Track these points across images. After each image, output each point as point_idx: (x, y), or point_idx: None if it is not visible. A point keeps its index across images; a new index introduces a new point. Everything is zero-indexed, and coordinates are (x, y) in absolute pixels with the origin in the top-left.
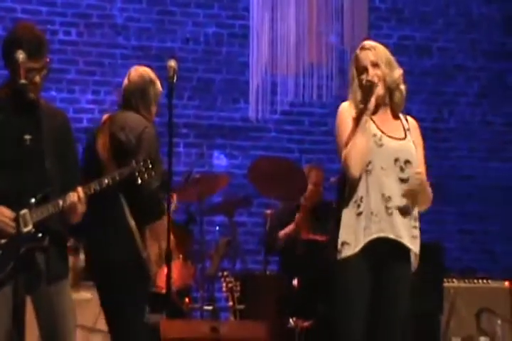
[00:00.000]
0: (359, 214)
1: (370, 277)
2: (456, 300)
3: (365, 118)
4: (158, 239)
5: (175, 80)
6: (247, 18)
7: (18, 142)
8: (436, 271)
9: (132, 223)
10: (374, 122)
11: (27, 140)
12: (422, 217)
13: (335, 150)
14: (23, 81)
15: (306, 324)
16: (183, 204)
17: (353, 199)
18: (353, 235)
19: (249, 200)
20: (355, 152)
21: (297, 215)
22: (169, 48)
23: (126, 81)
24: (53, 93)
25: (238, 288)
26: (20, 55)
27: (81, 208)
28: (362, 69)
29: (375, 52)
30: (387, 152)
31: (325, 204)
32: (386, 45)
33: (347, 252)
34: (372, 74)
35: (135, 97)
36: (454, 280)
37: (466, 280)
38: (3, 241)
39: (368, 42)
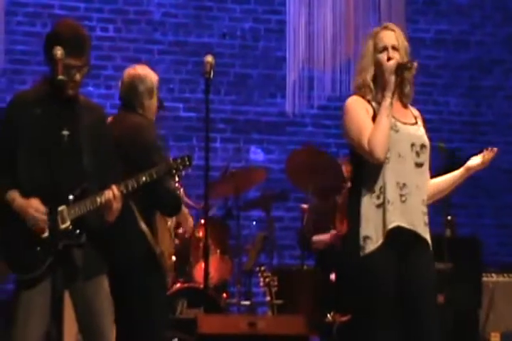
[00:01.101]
0: (379, 205)
1: (394, 269)
2: (495, 295)
3: (389, 99)
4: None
5: (212, 75)
6: (284, 13)
7: (55, 138)
8: (475, 266)
9: (143, 226)
10: None
11: (65, 136)
12: (460, 211)
13: None
14: (61, 77)
15: (343, 318)
16: (220, 199)
17: (372, 190)
18: (374, 228)
19: (286, 195)
20: (382, 133)
21: (334, 231)
22: (206, 44)
23: (119, 83)
24: (91, 89)
25: (275, 283)
26: (59, 52)
27: (116, 206)
28: (381, 49)
29: (397, 35)
30: (403, 137)
31: None
32: (423, 40)
33: (370, 247)
34: (393, 56)
35: (128, 97)
36: (493, 274)
37: (505, 275)
38: (43, 236)
39: (391, 24)
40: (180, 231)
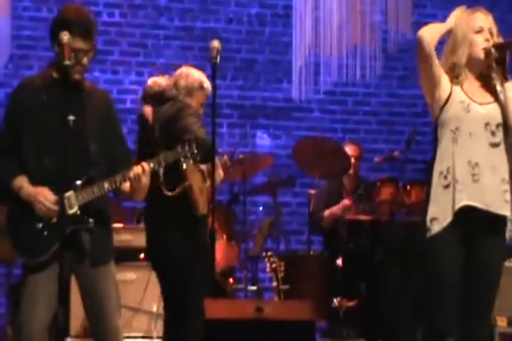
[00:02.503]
0: (446, 186)
1: (461, 250)
2: (502, 280)
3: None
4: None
5: (218, 61)
6: None
7: (62, 123)
8: None
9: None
10: (462, 88)
11: (71, 121)
12: None
13: (378, 130)
14: (67, 62)
15: (350, 303)
16: (226, 184)
17: (441, 171)
18: (441, 209)
19: (293, 180)
20: (434, 26)
21: (345, 200)
22: (212, 29)
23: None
24: (97, 74)
25: (282, 268)
26: (65, 36)
27: (145, 181)
28: (478, 29)
29: (491, 19)
30: (475, 117)
31: (367, 184)
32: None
33: (436, 228)
34: (489, 38)
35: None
36: None
37: (511, 260)
38: (51, 221)
39: (482, 8)
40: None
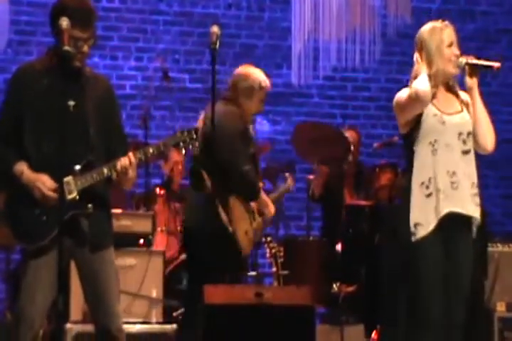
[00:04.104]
0: (428, 195)
1: (443, 252)
2: (501, 265)
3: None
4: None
5: (217, 46)
6: None
7: (61, 109)
8: (480, 236)
9: (219, 206)
10: (433, 104)
11: (70, 106)
12: None
13: (377, 116)
14: (66, 47)
15: (349, 289)
16: None
17: (422, 182)
18: (425, 215)
19: (292, 166)
20: (422, 80)
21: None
22: (212, 14)
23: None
24: (96, 60)
25: (282, 254)
26: (64, 22)
27: (132, 173)
28: (449, 44)
29: (453, 33)
30: (450, 129)
31: (367, 170)
32: (429, 10)
33: (421, 233)
34: (457, 53)
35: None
36: (499, 244)
37: (511, 245)
38: (50, 206)
39: (447, 22)
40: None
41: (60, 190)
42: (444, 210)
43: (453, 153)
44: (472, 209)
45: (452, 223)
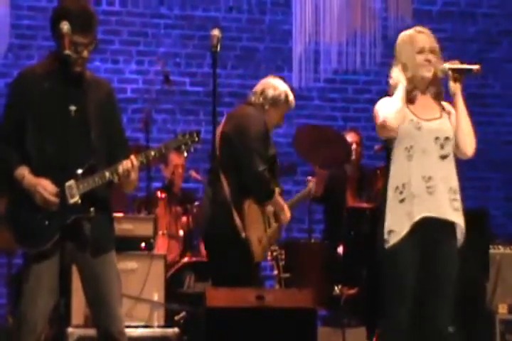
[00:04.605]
0: (402, 200)
1: (418, 258)
2: (502, 267)
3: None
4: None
5: (218, 49)
6: None
7: (63, 113)
8: (482, 238)
9: (233, 211)
10: (409, 108)
11: (72, 111)
12: (467, 183)
13: None
14: (67, 51)
15: (351, 291)
16: None
17: (396, 187)
18: (398, 222)
19: (294, 168)
20: (392, 104)
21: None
22: (212, 17)
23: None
24: (98, 63)
25: (283, 257)
26: (65, 26)
27: (134, 176)
28: (418, 50)
29: (432, 39)
30: (426, 134)
31: (368, 172)
32: (430, 12)
33: (394, 239)
34: (430, 58)
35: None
36: (500, 246)
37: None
38: (52, 211)
39: (423, 28)
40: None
41: (62, 194)
42: (418, 216)
43: (429, 158)
44: (450, 213)
45: (431, 228)
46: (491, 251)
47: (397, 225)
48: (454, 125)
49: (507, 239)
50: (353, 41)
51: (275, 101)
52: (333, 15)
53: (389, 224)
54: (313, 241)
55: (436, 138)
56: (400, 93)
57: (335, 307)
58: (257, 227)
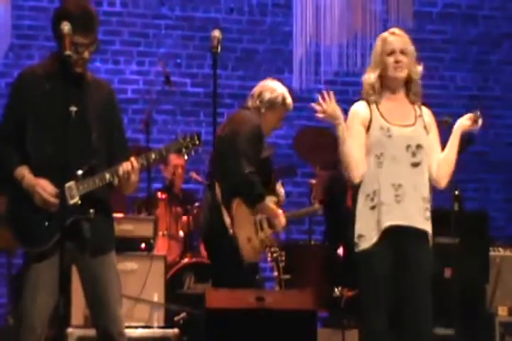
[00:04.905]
0: (372, 207)
1: (389, 263)
2: (502, 269)
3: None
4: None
5: (219, 51)
6: None
7: (64, 114)
8: (482, 240)
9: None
10: (381, 113)
11: (72, 112)
12: (467, 185)
13: None
14: (67, 52)
15: (351, 293)
16: None
17: (367, 194)
18: (368, 228)
19: (294, 170)
20: (348, 158)
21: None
22: (213, 19)
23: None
24: (98, 64)
25: (283, 258)
26: (66, 27)
27: (134, 178)
28: (389, 52)
29: (405, 40)
30: (397, 141)
31: None
32: (431, 14)
33: (363, 245)
34: (400, 59)
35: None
36: (500, 249)
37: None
38: (52, 211)
39: (397, 30)
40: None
41: (62, 194)
42: (385, 224)
43: (400, 166)
44: (421, 222)
45: (400, 235)
46: (491, 253)
47: (366, 231)
48: (446, 155)
49: (507, 241)
50: (353, 43)
51: (272, 104)
52: (333, 17)
53: (358, 228)
54: (313, 242)
55: (408, 146)
56: (343, 138)
57: (335, 309)
58: (246, 227)
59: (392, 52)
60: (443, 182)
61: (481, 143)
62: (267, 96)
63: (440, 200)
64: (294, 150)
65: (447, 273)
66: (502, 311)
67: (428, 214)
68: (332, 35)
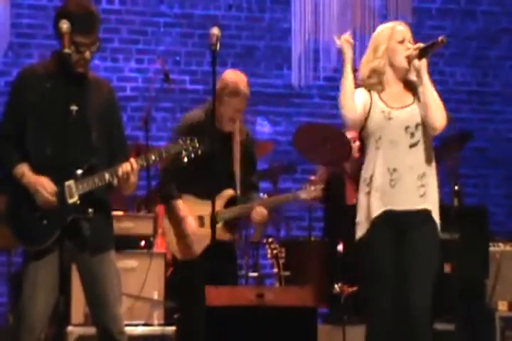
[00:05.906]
0: (367, 193)
1: (391, 248)
2: (502, 264)
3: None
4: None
5: (218, 48)
6: None
7: (64, 113)
8: (482, 235)
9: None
10: (381, 98)
11: (73, 111)
12: (467, 181)
13: None
14: (67, 50)
15: (351, 289)
16: None
17: (364, 178)
18: (363, 214)
19: (294, 167)
20: (344, 94)
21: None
22: (212, 16)
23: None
24: (97, 62)
25: (283, 255)
26: (64, 25)
27: (133, 179)
28: (401, 40)
29: (409, 32)
30: (396, 124)
31: None
32: (430, 10)
33: (360, 232)
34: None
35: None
36: (500, 244)
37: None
38: (51, 210)
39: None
40: None
41: (61, 193)
42: (378, 210)
43: (397, 149)
44: (416, 202)
45: (394, 219)
46: (491, 248)
47: (362, 217)
48: (420, 97)
49: (507, 236)
50: (352, 39)
51: (219, 95)
52: (332, 13)
53: (357, 216)
54: (313, 239)
55: (407, 128)
56: (345, 74)
57: (335, 305)
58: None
59: (402, 41)
60: (436, 125)
61: (481, 138)
62: (217, 87)
63: (440, 196)
64: (294, 146)
65: (447, 268)
66: (502, 306)
67: (423, 190)
68: (331, 31)
